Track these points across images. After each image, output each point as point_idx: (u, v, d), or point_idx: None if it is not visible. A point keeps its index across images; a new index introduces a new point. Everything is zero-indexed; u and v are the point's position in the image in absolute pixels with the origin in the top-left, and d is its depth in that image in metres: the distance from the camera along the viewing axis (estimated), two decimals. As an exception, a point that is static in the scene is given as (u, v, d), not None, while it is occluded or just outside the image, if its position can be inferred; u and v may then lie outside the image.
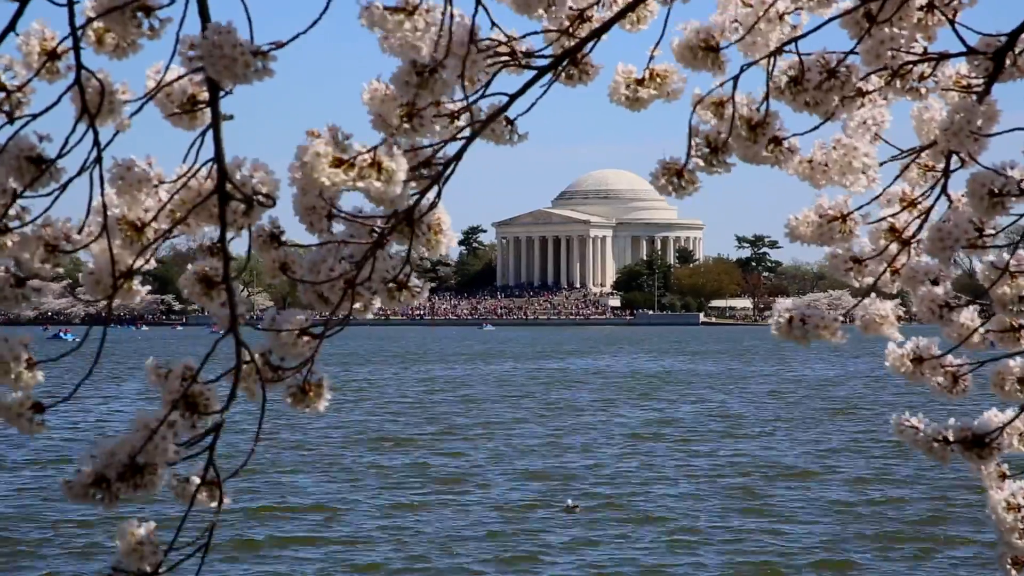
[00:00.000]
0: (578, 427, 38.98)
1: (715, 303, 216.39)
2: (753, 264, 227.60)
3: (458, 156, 2.19)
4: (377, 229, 2.17)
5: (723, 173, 2.46)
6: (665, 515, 23.30)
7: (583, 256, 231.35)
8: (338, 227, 2.23)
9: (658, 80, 2.47)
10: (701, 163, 2.43)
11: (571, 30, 2.41)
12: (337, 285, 2.13)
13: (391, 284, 2.15)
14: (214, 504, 2.28)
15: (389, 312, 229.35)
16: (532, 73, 2.35)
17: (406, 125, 2.17)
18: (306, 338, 2.19)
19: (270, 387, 2.22)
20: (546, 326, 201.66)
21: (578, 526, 22.27)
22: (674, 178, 2.44)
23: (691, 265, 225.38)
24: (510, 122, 2.30)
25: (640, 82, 2.47)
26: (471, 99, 2.23)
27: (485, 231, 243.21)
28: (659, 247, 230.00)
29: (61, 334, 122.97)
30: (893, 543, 20.62)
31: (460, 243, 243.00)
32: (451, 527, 22.26)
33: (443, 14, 2.24)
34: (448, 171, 2.18)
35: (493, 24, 2.29)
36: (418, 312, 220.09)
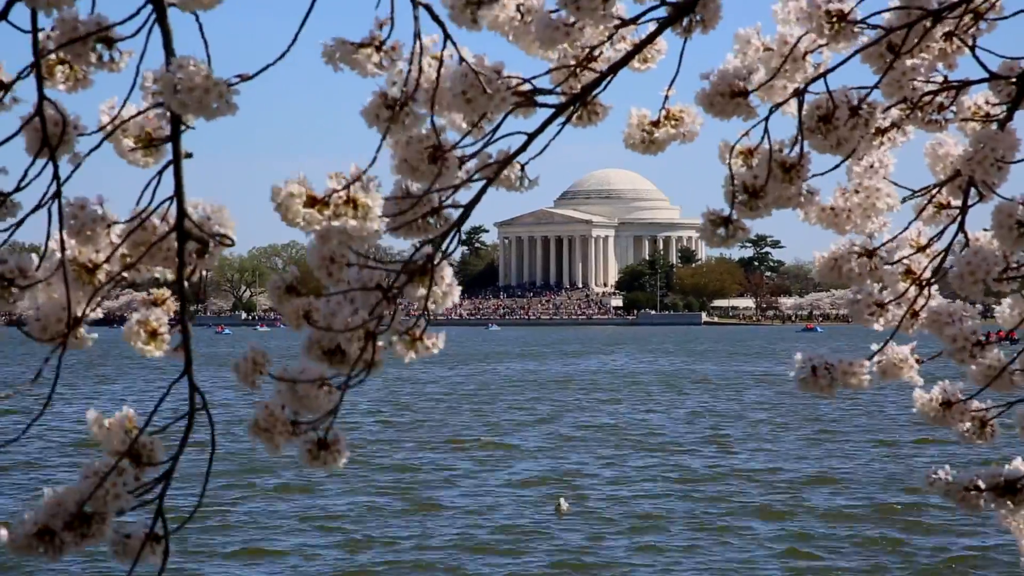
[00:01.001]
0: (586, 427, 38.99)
1: (717, 303, 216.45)
2: (755, 264, 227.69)
3: (473, 203, 2.12)
4: (386, 281, 2.10)
5: (766, 216, 2.40)
6: (658, 516, 23.27)
7: (585, 256, 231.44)
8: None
9: (674, 121, 2.41)
10: (744, 209, 2.37)
11: (579, 69, 2.35)
12: (356, 335, 2.05)
13: (406, 336, 2.08)
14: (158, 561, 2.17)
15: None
16: (536, 113, 2.29)
17: (432, 168, 2.10)
18: (326, 389, 2.09)
19: (289, 443, 2.13)
20: (548, 326, 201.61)
21: (568, 527, 22.23)
22: (721, 228, 2.37)
23: (693, 265, 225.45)
24: (521, 167, 2.24)
25: (655, 124, 2.41)
26: (482, 143, 2.16)
27: (487, 231, 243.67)
28: (661, 247, 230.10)
29: None
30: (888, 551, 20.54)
31: (462, 243, 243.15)
32: (439, 529, 22.25)
33: (414, 47, 2.17)
34: (463, 221, 2.11)
35: (461, 58, 2.22)
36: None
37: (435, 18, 2.20)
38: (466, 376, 67.17)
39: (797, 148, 2.40)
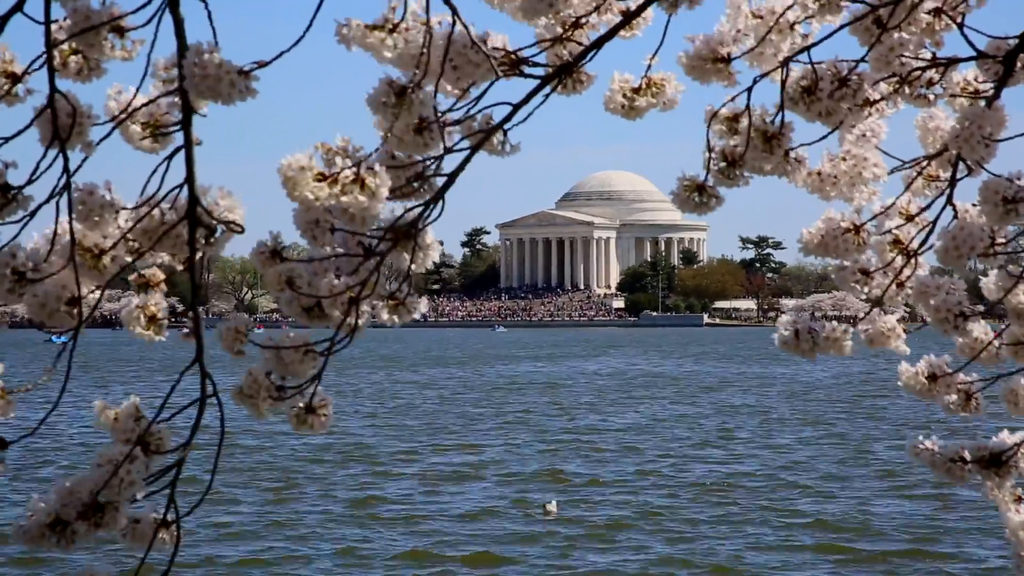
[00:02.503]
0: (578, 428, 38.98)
1: (719, 304, 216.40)
2: (757, 265, 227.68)
3: (459, 170, 2.14)
4: (368, 243, 2.10)
5: (742, 186, 2.42)
6: (651, 517, 23.26)
7: (587, 257, 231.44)
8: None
9: (655, 89, 2.42)
10: (720, 176, 2.39)
11: (565, 37, 2.36)
12: (339, 300, 2.07)
13: (390, 300, 2.09)
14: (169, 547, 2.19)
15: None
16: (522, 81, 2.31)
17: (417, 139, 2.11)
18: (311, 355, 2.11)
19: (274, 408, 2.15)
20: (550, 327, 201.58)
21: (556, 529, 22.21)
22: (695, 194, 2.38)
23: (695, 266, 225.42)
24: (504, 133, 2.25)
25: (636, 91, 2.42)
26: (468, 110, 2.17)
27: (488, 233, 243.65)
28: (663, 248, 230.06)
29: (53, 338, 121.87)
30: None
31: (464, 245, 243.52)
32: (431, 529, 22.25)
33: (427, 29, 2.19)
34: (448, 186, 2.12)
35: (465, 30, 2.23)
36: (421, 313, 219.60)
37: (446, 1, 2.20)
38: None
39: (780, 118, 2.41)
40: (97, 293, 2.20)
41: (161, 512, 2.20)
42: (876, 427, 38.80)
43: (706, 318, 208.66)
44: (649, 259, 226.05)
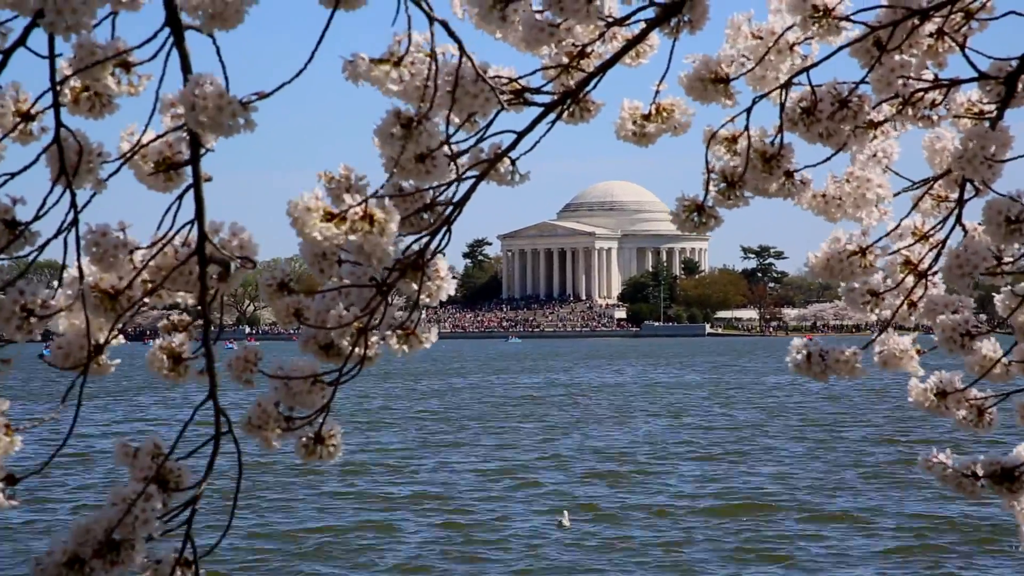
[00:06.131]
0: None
1: (721, 314, 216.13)
2: (759, 275, 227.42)
3: (464, 199, 2.14)
4: (378, 276, 2.11)
5: (742, 206, 2.44)
6: (660, 529, 23.21)
7: (588, 268, 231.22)
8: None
9: (664, 114, 2.44)
10: (720, 197, 2.41)
11: (571, 66, 2.38)
12: (348, 331, 2.07)
13: (399, 331, 2.09)
14: None
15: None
16: (530, 110, 2.31)
17: (420, 167, 2.12)
18: (319, 385, 2.11)
19: (283, 439, 2.14)
20: (553, 338, 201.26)
21: (570, 543, 22.15)
22: (694, 214, 2.41)
23: (697, 276, 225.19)
24: (512, 162, 2.26)
25: (647, 117, 2.44)
26: (474, 139, 2.18)
27: (490, 244, 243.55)
28: (664, 258, 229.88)
29: (45, 352, 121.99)
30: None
31: (465, 256, 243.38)
32: (439, 540, 22.21)
33: (431, 62, 2.19)
34: (456, 215, 2.13)
35: (468, 60, 2.24)
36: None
37: (451, 34, 2.21)
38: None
39: (779, 139, 2.43)
40: (114, 338, 2.20)
41: (179, 550, 2.19)
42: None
43: (708, 328, 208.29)
44: (651, 269, 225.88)
